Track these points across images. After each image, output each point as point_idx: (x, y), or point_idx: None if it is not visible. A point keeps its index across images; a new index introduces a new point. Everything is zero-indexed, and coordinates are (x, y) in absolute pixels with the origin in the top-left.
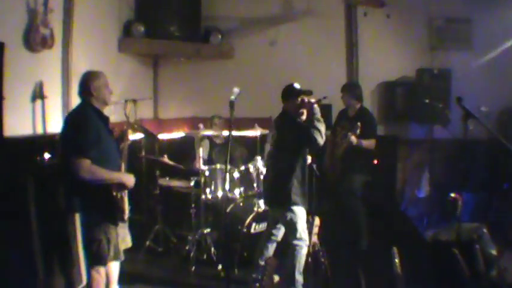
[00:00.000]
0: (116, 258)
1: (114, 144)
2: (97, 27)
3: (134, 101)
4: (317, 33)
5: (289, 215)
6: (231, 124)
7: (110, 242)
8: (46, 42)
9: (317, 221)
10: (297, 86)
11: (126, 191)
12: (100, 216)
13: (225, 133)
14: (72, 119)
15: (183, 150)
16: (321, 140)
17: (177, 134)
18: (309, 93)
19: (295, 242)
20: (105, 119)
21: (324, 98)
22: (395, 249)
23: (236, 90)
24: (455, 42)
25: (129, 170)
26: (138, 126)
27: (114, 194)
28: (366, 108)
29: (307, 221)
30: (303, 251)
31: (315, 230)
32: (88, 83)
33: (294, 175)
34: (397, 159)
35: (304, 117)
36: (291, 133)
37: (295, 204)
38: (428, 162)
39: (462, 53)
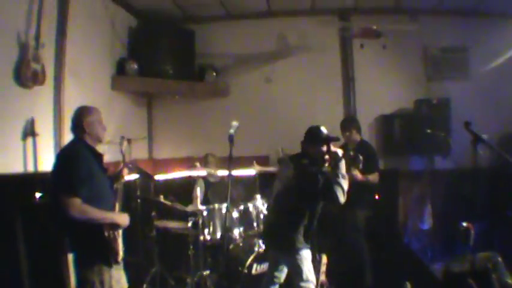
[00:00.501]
0: None
1: (107, 182)
2: (90, 64)
3: (129, 141)
4: (313, 68)
5: (293, 259)
6: (231, 159)
7: (103, 285)
8: (37, 78)
9: (324, 259)
10: (324, 130)
11: (120, 232)
12: (92, 257)
13: (221, 172)
14: (63, 156)
15: (179, 190)
16: (343, 199)
17: (173, 175)
18: (336, 140)
19: (302, 284)
20: (99, 156)
21: (337, 139)
22: (408, 285)
23: (235, 124)
24: (451, 71)
25: (124, 211)
26: (133, 166)
27: (106, 234)
28: (366, 142)
29: (314, 260)
30: None
31: (323, 268)
32: (81, 119)
33: (301, 223)
34: (398, 192)
35: (326, 165)
36: (311, 182)
37: (300, 250)
38: (430, 193)
39: (459, 81)
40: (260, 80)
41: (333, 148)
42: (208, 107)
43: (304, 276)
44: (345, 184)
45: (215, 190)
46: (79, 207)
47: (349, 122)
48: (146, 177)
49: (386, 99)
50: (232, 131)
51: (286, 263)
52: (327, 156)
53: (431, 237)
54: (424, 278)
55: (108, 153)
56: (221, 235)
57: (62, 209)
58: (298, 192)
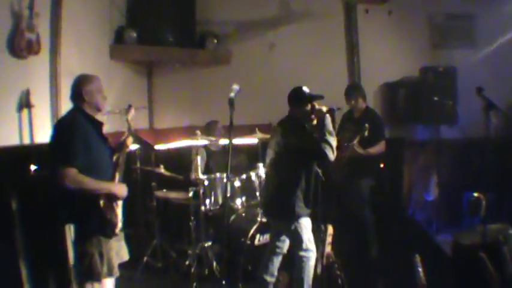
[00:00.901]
0: (110, 274)
1: (107, 152)
2: (87, 32)
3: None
4: (316, 34)
5: (293, 226)
6: (231, 125)
7: (102, 257)
8: (32, 48)
9: (330, 229)
10: (306, 90)
11: (120, 203)
12: (90, 229)
13: (222, 141)
14: (59, 126)
15: (180, 160)
16: (332, 156)
17: (174, 144)
18: (320, 98)
19: (302, 253)
20: (98, 125)
21: (338, 109)
22: (417, 258)
23: (236, 87)
24: (458, 39)
25: (124, 182)
26: (134, 136)
27: (102, 205)
28: (372, 109)
29: (319, 230)
30: (311, 263)
31: (329, 239)
32: (80, 87)
33: (299, 187)
34: (403, 162)
35: (314, 122)
36: (299, 142)
37: (300, 216)
38: (436, 164)
39: (466, 49)
40: (262, 47)
41: (317, 106)
42: (210, 75)
43: (304, 245)
44: (333, 141)
45: (217, 159)
46: (74, 177)
47: (354, 90)
48: (146, 147)
49: (391, 66)
50: (232, 94)
51: (286, 231)
52: (312, 116)
53: (436, 208)
54: (430, 250)
55: (108, 123)
56: (221, 205)
57: (57, 179)
58: (289, 155)
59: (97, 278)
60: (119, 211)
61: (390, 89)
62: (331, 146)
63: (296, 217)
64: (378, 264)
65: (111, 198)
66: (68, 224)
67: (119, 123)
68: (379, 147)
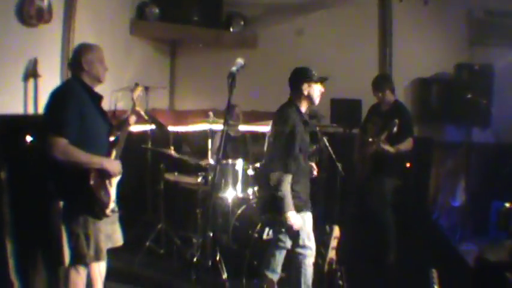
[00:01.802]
0: (97, 258)
1: (104, 128)
2: (106, 4)
3: (146, 88)
4: (347, 21)
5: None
6: (229, 105)
7: (89, 238)
8: (42, 16)
9: (336, 231)
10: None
11: (113, 182)
12: (77, 207)
13: (242, 127)
14: (54, 94)
15: (198, 144)
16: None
17: (192, 127)
18: (323, 79)
19: (298, 250)
20: (97, 98)
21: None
22: (434, 272)
23: (240, 61)
24: (497, 36)
25: (134, 162)
26: (147, 115)
27: (92, 182)
28: (401, 103)
29: (324, 231)
30: (308, 261)
31: (333, 243)
32: (79, 56)
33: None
34: (431, 163)
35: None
36: (274, 143)
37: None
38: (465, 168)
39: (504, 48)
40: (290, 32)
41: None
42: (235, 57)
43: (301, 241)
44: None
45: (234, 145)
46: (63, 148)
47: (383, 81)
48: (160, 128)
49: (425, 60)
50: (234, 68)
51: (283, 225)
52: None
53: (462, 215)
54: (451, 261)
55: (123, 101)
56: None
57: (46, 149)
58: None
59: (83, 261)
60: (112, 190)
61: (422, 85)
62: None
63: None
64: (393, 271)
65: (103, 175)
66: (56, 199)
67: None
68: (407, 144)
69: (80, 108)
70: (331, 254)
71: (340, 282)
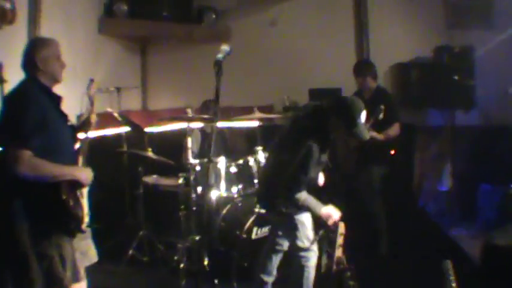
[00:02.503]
0: (75, 279)
1: (67, 130)
2: (73, 3)
3: (118, 89)
4: (322, 9)
5: (286, 221)
6: (217, 96)
7: (64, 260)
8: (5, 17)
9: (342, 227)
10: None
11: (84, 191)
12: (49, 226)
13: (220, 123)
14: (9, 99)
15: (174, 144)
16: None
17: (167, 126)
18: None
19: (299, 253)
20: (56, 99)
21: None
22: (449, 263)
23: (225, 48)
24: (474, 18)
25: (109, 166)
26: (121, 117)
27: (65, 196)
28: (383, 88)
29: (329, 230)
30: (310, 263)
31: (339, 240)
32: (33, 53)
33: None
34: (415, 149)
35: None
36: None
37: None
38: (450, 152)
39: (483, 29)
40: (264, 24)
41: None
42: (208, 52)
43: (300, 243)
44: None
45: (214, 142)
46: (29, 161)
47: (363, 67)
48: (136, 129)
49: (403, 46)
50: (220, 56)
51: (280, 226)
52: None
53: (449, 200)
54: (444, 248)
55: (94, 103)
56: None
57: (8, 164)
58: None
59: (59, 285)
60: (84, 202)
61: (402, 70)
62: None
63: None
64: (388, 262)
65: (74, 186)
66: (23, 219)
67: (107, 103)
68: (395, 130)
69: (41, 113)
70: (338, 252)
71: (351, 282)
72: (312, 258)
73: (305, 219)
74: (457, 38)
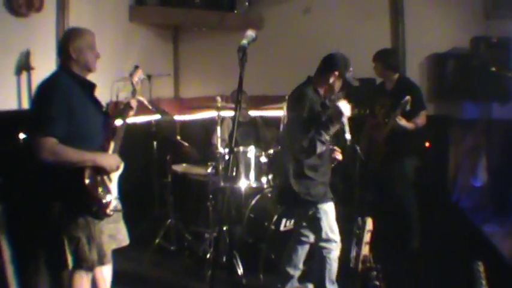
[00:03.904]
0: (101, 262)
1: (98, 119)
2: None
3: (149, 77)
4: None
5: (309, 209)
6: (241, 82)
7: (91, 242)
8: (32, 5)
9: (370, 224)
10: (346, 59)
11: (113, 177)
12: (75, 209)
13: (251, 112)
14: (39, 88)
15: (205, 132)
16: (317, 151)
17: (199, 115)
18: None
19: (322, 244)
20: (89, 87)
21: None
22: (480, 265)
23: (251, 33)
24: None
25: (139, 154)
26: (152, 105)
27: (87, 181)
28: (406, 78)
29: (356, 225)
30: (333, 255)
31: (367, 237)
32: (67, 43)
33: (306, 165)
34: (449, 142)
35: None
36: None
37: (313, 197)
38: (486, 146)
39: None
40: (297, 11)
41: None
42: (240, 40)
43: (324, 235)
44: (321, 148)
45: (245, 131)
46: (51, 148)
47: (376, 54)
48: (166, 117)
49: (439, 35)
50: (245, 41)
51: (303, 218)
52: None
53: (484, 195)
54: (476, 244)
55: (125, 91)
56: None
57: (33, 150)
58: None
59: (86, 266)
60: (113, 187)
61: (438, 61)
62: (323, 145)
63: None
64: (420, 258)
65: (100, 171)
66: (52, 201)
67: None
68: (422, 119)
69: (68, 102)
70: (365, 250)
71: (377, 282)
72: (334, 250)
73: (329, 210)
74: (495, 29)
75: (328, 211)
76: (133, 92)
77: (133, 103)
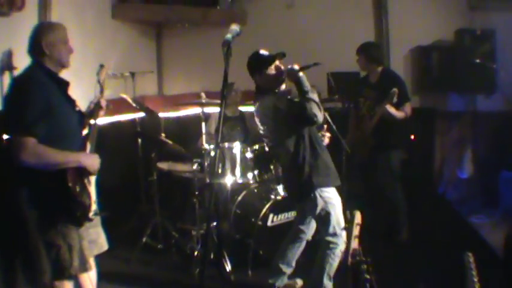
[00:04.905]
0: (83, 269)
1: (74, 117)
2: None
3: (132, 74)
4: None
5: (319, 203)
6: (225, 79)
7: (71, 249)
8: (14, 4)
9: (358, 217)
10: (264, 52)
11: (92, 180)
12: (55, 215)
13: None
14: (14, 85)
15: (190, 129)
16: (320, 115)
17: (184, 111)
18: (282, 56)
19: (329, 238)
20: (63, 85)
21: (315, 64)
22: (470, 256)
23: (235, 28)
24: (497, 1)
25: (123, 153)
26: (135, 103)
27: (71, 184)
28: (390, 70)
29: (345, 219)
30: (337, 251)
31: (356, 231)
32: (39, 38)
33: (305, 157)
34: (435, 134)
35: (283, 86)
36: (280, 117)
37: (321, 185)
38: (471, 137)
39: (505, 12)
40: (281, 6)
41: (284, 66)
42: (224, 36)
43: (331, 229)
44: (317, 98)
45: (232, 125)
46: (33, 149)
47: (360, 47)
48: (150, 115)
49: (423, 28)
50: (229, 36)
51: (311, 212)
52: (281, 77)
53: (470, 187)
54: (464, 236)
55: (109, 89)
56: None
57: (12, 152)
58: (276, 135)
59: (67, 274)
60: (92, 190)
61: (422, 53)
62: (318, 105)
63: (316, 186)
64: (409, 250)
65: (81, 173)
66: (30, 207)
67: (122, 89)
68: (408, 110)
69: (47, 99)
70: (354, 243)
71: (367, 275)
72: (340, 245)
73: (336, 204)
74: (479, 21)
75: (336, 205)
76: (102, 91)
77: (103, 102)
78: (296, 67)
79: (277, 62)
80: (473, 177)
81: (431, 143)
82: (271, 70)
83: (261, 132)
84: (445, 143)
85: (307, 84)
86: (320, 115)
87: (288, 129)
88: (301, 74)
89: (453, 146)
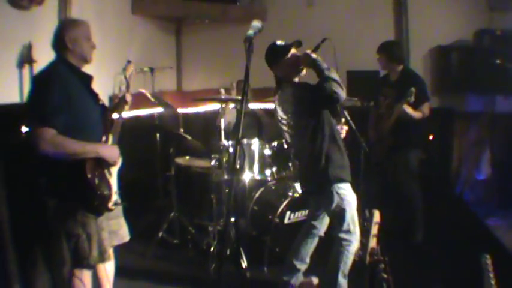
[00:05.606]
0: (101, 259)
1: (96, 111)
2: None
3: (152, 70)
4: None
5: (334, 199)
6: (247, 72)
7: (90, 238)
8: None
9: (377, 215)
10: (280, 42)
11: (113, 171)
12: (74, 204)
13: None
14: (36, 79)
15: (209, 124)
16: (342, 92)
17: (202, 107)
18: (298, 44)
19: (342, 235)
20: (86, 79)
21: (323, 41)
22: (488, 258)
23: (257, 24)
24: None
25: (142, 147)
26: (155, 98)
27: (90, 175)
28: (410, 70)
29: (364, 217)
30: (351, 248)
31: (374, 230)
32: (62, 33)
33: (323, 147)
34: (453, 135)
35: (304, 72)
36: (301, 102)
37: (337, 180)
38: (489, 139)
39: None
40: (301, 4)
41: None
42: (243, 32)
43: (345, 226)
44: (335, 74)
45: (250, 122)
46: (52, 139)
47: (380, 46)
48: (169, 110)
49: (443, 28)
50: (251, 32)
51: (325, 207)
52: (299, 64)
53: (487, 189)
54: (480, 237)
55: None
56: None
57: (32, 142)
58: (296, 122)
59: (86, 264)
60: (113, 181)
61: (442, 53)
62: (337, 82)
63: (333, 180)
64: (423, 252)
65: (101, 164)
66: (50, 196)
67: (141, 84)
68: (427, 110)
69: (67, 92)
70: (373, 242)
71: (384, 275)
72: (354, 243)
73: (352, 201)
74: (499, 21)
75: (352, 202)
76: (127, 86)
77: (128, 97)
78: (308, 51)
79: (293, 50)
80: (490, 179)
81: (450, 143)
82: (289, 59)
83: (284, 122)
84: (463, 143)
85: (323, 64)
86: (341, 92)
87: (309, 115)
88: (314, 56)
89: (471, 147)
